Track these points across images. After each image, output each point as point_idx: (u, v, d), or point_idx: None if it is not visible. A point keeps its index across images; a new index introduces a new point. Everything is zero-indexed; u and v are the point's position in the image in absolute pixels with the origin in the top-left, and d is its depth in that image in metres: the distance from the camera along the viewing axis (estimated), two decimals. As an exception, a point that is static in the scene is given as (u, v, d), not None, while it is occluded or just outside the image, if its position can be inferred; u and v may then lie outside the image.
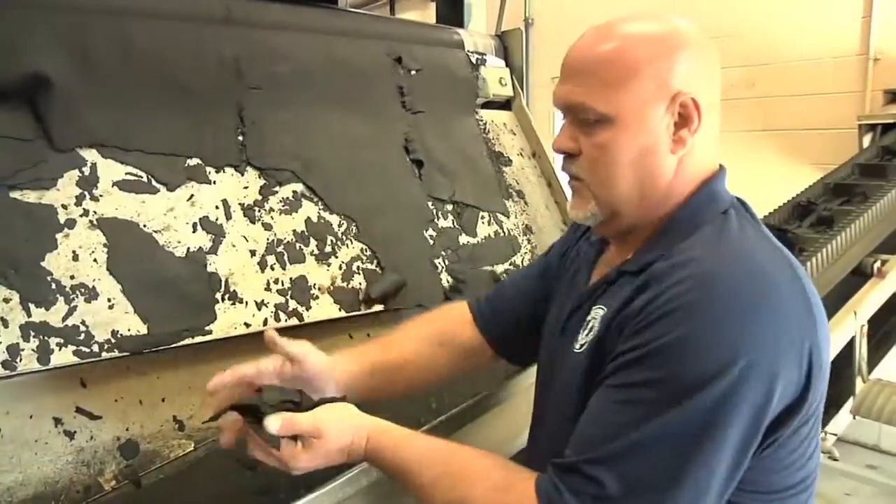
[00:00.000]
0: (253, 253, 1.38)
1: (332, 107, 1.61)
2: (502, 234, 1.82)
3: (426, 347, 1.23)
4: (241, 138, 1.43)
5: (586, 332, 0.96)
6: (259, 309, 1.34)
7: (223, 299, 1.31)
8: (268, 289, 1.37)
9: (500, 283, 1.38)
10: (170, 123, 1.35)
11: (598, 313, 0.96)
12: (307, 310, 1.40)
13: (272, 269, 1.39)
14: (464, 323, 1.26)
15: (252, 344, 1.34)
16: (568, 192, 1.06)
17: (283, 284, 1.39)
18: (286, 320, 1.36)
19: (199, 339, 1.27)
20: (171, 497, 1.19)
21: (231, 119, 1.43)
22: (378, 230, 1.57)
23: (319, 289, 1.43)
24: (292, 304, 1.39)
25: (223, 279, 1.32)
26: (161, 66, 1.36)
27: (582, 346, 0.96)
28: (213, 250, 1.33)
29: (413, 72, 1.77)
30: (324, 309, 1.42)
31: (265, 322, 1.33)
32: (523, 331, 1.21)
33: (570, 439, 0.88)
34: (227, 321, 1.30)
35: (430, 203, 1.69)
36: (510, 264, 1.75)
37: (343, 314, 1.44)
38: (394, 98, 1.74)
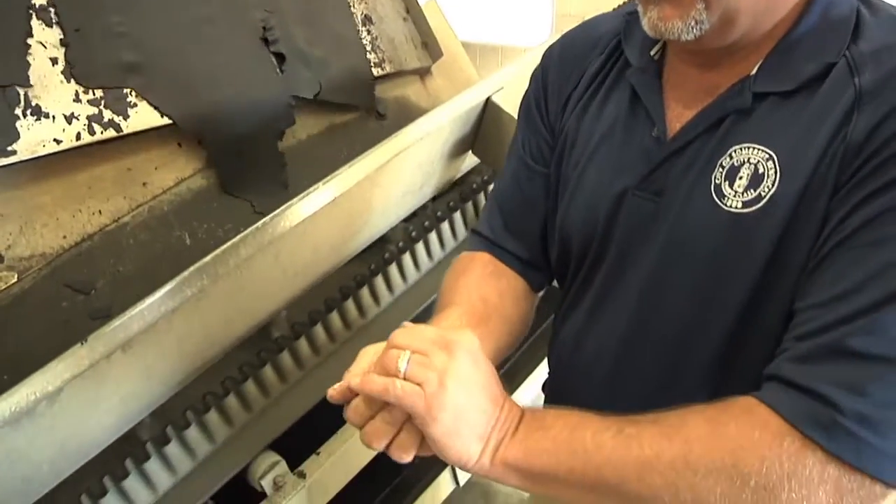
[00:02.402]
0: (54, 61, 1.22)
1: None
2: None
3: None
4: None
5: (745, 181, 0.74)
6: (69, 123, 1.21)
7: (24, 115, 1.17)
8: (77, 100, 1.23)
9: (498, 199, 1.05)
10: None
11: (755, 156, 0.74)
12: (125, 119, 1.27)
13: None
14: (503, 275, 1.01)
15: (67, 162, 1.23)
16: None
17: (94, 94, 1.25)
18: (102, 132, 1.24)
19: (2, 161, 1.14)
20: (1, 332, 1.12)
21: None
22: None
23: (138, 95, 1.30)
24: (108, 115, 1.25)
25: (22, 93, 1.18)
26: None
27: (751, 201, 0.74)
28: (5, 61, 1.17)
29: None
30: (144, 117, 1.30)
31: (78, 136, 1.21)
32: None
33: (801, 318, 0.70)
34: (34, 139, 1.17)
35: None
36: (348, 57, 1.65)
37: (167, 121, 1.33)
38: None
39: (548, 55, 1.01)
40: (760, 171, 0.73)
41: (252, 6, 1.49)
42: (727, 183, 0.75)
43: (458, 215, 1.53)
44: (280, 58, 1.50)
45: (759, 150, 0.74)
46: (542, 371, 1.80)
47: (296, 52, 1.53)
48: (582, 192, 0.91)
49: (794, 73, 0.74)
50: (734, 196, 0.75)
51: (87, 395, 0.95)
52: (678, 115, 0.83)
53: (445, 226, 1.51)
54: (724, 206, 0.75)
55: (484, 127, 1.46)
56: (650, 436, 0.69)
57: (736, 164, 0.75)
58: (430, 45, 1.88)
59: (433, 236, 1.49)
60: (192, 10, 1.41)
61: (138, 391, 1.04)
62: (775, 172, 0.72)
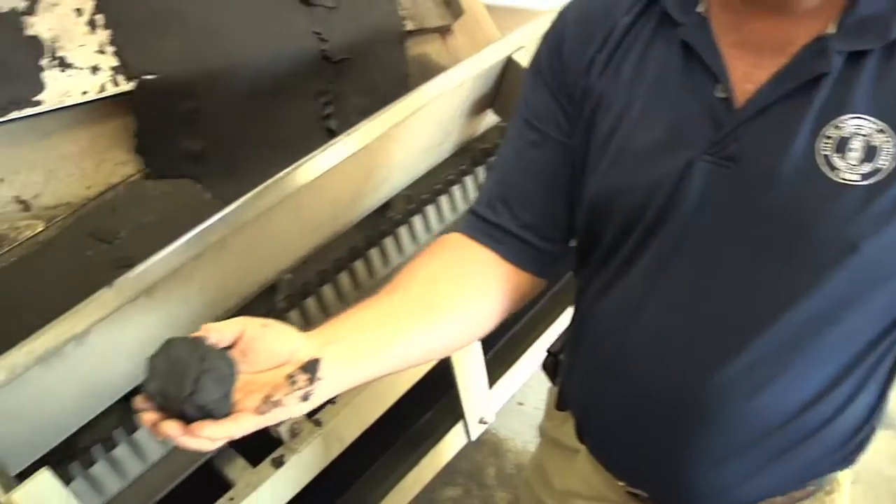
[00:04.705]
0: (79, 12, 1.24)
1: None
2: None
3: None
4: None
5: (858, 153, 0.68)
6: (94, 74, 1.23)
7: (50, 66, 1.19)
8: (101, 52, 1.25)
9: (497, 185, 0.95)
10: None
11: (865, 128, 0.68)
12: (149, 73, 1.29)
13: (105, 28, 1.26)
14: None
15: (92, 113, 1.25)
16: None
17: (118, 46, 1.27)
18: (126, 83, 1.26)
19: (28, 111, 1.16)
20: (26, 279, 1.15)
21: None
22: None
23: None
24: (132, 68, 1.27)
25: (46, 44, 1.19)
26: None
27: (869, 173, 0.68)
28: (30, 11, 1.19)
29: None
30: (168, 71, 1.31)
31: (102, 88, 1.23)
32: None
33: None
34: (59, 90, 1.19)
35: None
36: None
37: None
38: None
39: (562, 16, 0.91)
40: (874, 143, 0.68)
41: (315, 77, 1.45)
42: (838, 155, 0.69)
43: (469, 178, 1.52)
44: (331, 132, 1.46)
45: (867, 120, 0.68)
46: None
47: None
48: (630, 157, 0.81)
49: (881, 27, 0.67)
50: (848, 169, 0.69)
51: (111, 338, 0.97)
52: (746, 75, 0.74)
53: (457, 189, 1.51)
54: (835, 179, 0.69)
55: (505, 85, 1.46)
56: None
57: (845, 135, 0.69)
58: (451, 3, 1.87)
59: (444, 199, 1.50)
60: (259, 84, 1.37)
61: (158, 338, 1.06)
62: (893, 146, 0.67)
